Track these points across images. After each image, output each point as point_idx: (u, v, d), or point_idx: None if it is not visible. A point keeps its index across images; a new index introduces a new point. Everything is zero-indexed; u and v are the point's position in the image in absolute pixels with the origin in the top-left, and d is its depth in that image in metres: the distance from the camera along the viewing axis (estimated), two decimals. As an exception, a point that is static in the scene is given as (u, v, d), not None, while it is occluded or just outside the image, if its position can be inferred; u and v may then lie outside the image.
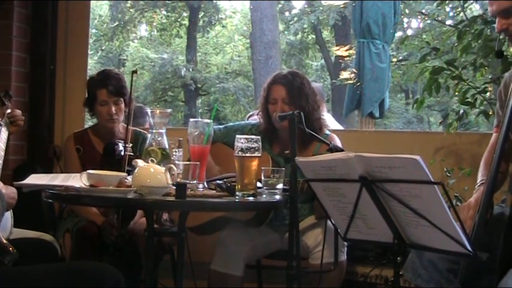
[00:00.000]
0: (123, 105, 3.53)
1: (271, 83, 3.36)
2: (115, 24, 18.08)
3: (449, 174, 3.97)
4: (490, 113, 3.88)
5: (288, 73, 3.37)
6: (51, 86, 4.59)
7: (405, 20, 14.51)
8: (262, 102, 3.39)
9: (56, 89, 4.62)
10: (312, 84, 3.44)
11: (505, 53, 3.66)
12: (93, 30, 17.25)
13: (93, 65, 15.03)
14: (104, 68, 4.77)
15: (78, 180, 2.53)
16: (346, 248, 3.22)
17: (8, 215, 2.76)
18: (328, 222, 3.11)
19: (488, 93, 4.08)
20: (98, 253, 3.32)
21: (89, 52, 5.56)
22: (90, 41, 10.87)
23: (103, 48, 18.43)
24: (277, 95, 3.31)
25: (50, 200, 2.86)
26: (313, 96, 3.35)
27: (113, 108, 3.51)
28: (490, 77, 4.19)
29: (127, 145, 3.15)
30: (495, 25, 2.51)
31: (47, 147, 4.48)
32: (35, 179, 2.76)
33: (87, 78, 3.99)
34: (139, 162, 2.48)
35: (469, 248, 1.86)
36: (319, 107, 3.41)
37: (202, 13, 17.94)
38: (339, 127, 5.83)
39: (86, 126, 4.04)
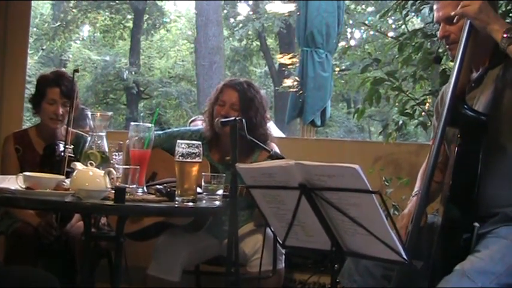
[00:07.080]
0: (68, 109, 3.49)
1: (226, 85, 3.34)
2: (57, 24, 17.76)
3: (387, 184, 4.04)
4: (428, 124, 3.96)
5: (245, 82, 3.36)
6: (-12, 84, 4.48)
7: (349, 30, 14.72)
8: (212, 101, 3.35)
9: (-7, 88, 4.52)
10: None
11: (443, 66, 3.75)
12: (34, 29, 16.89)
13: (33, 65, 14.70)
14: (44, 68, 4.68)
15: (14, 182, 2.47)
16: (284, 256, 3.23)
17: None
18: (268, 229, 3.14)
19: (427, 105, 4.16)
20: (33, 256, 3.25)
21: (29, 51, 5.45)
22: (31, 40, 10.65)
23: (44, 47, 18.07)
24: (227, 98, 3.29)
25: (-17, 202, 2.78)
26: (262, 112, 3.33)
27: (61, 110, 3.47)
28: (429, 89, 4.28)
29: (67, 146, 3.11)
30: (435, 38, 2.57)
31: (-17, 147, 4.35)
32: (-32, 180, 2.67)
33: (37, 76, 3.88)
34: (78, 165, 2.43)
35: (405, 256, 1.89)
36: (266, 123, 3.38)
37: (147, 16, 17.82)
38: (281, 134, 5.86)
39: (24, 126, 3.95)
